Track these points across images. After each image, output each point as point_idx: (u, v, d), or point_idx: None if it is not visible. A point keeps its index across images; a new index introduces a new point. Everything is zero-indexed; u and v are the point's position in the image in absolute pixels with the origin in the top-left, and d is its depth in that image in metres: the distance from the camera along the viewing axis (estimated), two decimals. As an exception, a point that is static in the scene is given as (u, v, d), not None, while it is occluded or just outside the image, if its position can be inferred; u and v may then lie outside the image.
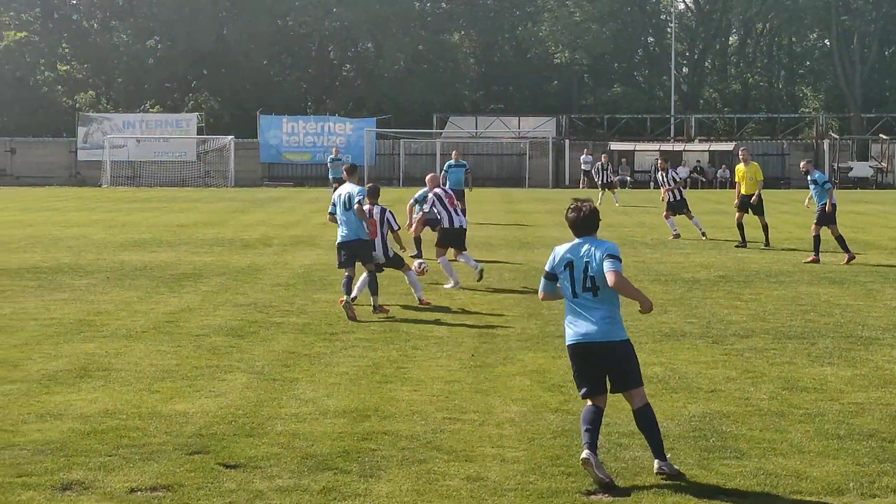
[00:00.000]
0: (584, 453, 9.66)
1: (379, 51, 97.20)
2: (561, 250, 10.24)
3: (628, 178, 74.30)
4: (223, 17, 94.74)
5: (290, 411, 12.13)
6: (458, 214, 23.38)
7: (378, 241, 19.83)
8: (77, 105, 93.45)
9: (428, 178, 24.41)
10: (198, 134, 79.93)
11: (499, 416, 11.94)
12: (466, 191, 38.86)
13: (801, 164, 28.67)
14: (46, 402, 12.55)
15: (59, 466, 10.09)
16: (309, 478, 9.80)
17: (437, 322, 18.11)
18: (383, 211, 19.97)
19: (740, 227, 30.50)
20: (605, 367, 10.02)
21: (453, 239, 23.20)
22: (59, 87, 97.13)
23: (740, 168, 30.83)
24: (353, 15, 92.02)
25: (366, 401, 12.59)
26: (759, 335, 16.87)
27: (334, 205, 19.52)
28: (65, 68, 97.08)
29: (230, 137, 77.00)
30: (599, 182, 51.73)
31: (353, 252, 19.34)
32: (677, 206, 33.64)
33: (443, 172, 39.80)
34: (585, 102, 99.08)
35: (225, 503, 9.20)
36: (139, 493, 9.43)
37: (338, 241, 19.53)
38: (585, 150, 73.09)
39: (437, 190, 23.62)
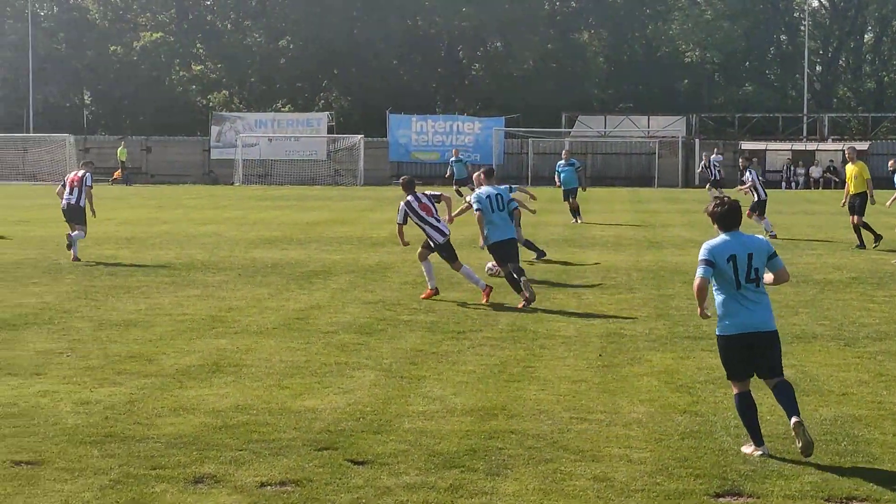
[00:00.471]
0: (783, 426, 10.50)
1: (508, 50, 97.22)
2: (717, 243, 10.61)
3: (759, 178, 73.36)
4: (354, 17, 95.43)
5: (417, 409, 12.19)
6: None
7: (430, 226, 20.60)
8: (210, 104, 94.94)
9: (475, 175, 24.62)
10: (328, 133, 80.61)
11: (626, 417, 11.89)
12: (580, 190, 39.05)
13: (890, 163, 28.37)
14: (179, 396, 12.76)
15: (192, 460, 10.26)
16: (436, 475, 9.84)
17: (565, 321, 18.07)
18: (420, 197, 20.90)
19: (856, 228, 30.03)
20: (759, 353, 10.57)
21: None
22: (193, 86, 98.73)
23: (849, 168, 30.48)
24: (482, 14, 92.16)
25: (493, 399, 12.61)
26: (892, 338, 16.57)
27: (480, 203, 20.04)
28: (199, 68, 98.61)
29: (360, 136, 77.56)
30: (712, 179, 50.93)
31: (508, 250, 20.05)
32: (760, 206, 33.53)
33: (555, 173, 40.06)
34: (716, 101, 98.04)
35: (352, 499, 9.26)
36: (268, 487, 9.54)
37: (492, 240, 20.11)
38: (716, 149, 72.27)
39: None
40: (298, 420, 11.68)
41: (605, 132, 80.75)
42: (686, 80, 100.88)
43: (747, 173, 34.17)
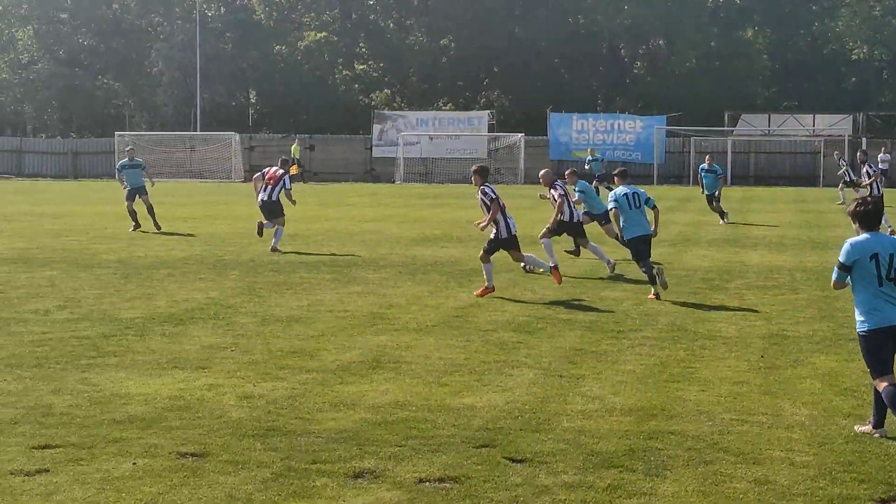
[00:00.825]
0: None
1: (670, 48, 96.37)
2: (860, 242, 10.91)
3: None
4: (515, 16, 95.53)
5: (576, 408, 12.16)
6: (576, 211, 25.38)
7: (503, 217, 21.08)
8: (372, 103, 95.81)
9: (567, 173, 27.08)
10: (488, 131, 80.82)
11: (788, 420, 11.72)
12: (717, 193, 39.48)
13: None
14: (340, 391, 12.91)
15: (352, 455, 10.36)
16: (594, 475, 9.81)
17: (726, 322, 17.87)
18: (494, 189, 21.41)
19: None
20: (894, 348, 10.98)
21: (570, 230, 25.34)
22: (356, 85, 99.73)
23: None
24: (644, 12, 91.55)
25: (652, 399, 12.53)
26: None
27: (617, 202, 21.00)
28: (361, 67, 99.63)
29: (520, 135, 77.63)
30: (847, 179, 49.67)
31: (645, 246, 20.99)
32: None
33: (698, 174, 40.61)
34: (884, 99, 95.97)
35: (510, 497, 9.27)
36: (427, 483, 9.60)
37: (629, 236, 21.07)
38: (883, 148, 70.86)
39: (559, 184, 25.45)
40: (457, 417, 11.73)
41: (768, 131, 79.58)
42: (853, 78, 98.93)
43: (865, 169, 33.63)
